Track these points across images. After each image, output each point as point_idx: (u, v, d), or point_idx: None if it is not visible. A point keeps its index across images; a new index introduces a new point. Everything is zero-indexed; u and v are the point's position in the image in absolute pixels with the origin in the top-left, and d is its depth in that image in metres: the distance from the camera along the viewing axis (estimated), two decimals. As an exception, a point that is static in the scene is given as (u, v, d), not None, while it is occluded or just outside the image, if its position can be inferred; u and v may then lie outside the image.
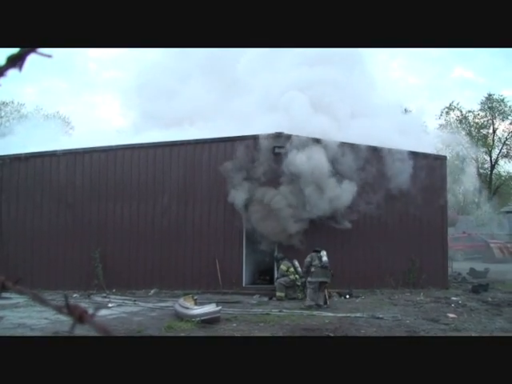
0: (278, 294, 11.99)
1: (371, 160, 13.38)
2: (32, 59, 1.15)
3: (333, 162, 12.93)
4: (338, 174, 12.98)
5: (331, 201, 12.77)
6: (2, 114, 38.63)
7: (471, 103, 78.37)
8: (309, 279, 10.80)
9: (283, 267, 12.21)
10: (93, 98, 65.22)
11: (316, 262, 10.76)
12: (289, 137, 13.26)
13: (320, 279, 10.65)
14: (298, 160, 12.73)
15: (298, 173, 12.80)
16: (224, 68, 16.90)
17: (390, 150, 13.60)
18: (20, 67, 1.19)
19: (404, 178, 13.30)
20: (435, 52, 53.24)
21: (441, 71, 66.89)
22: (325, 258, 10.76)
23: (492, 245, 26.02)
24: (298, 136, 13.10)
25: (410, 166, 13.37)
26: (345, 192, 12.83)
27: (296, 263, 12.08)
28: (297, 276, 11.94)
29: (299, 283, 11.83)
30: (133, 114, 19.80)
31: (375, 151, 13.70)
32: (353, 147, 13.19)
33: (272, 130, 13.36)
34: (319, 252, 10.92)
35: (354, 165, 12.99)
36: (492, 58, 64.39)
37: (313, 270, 10.74)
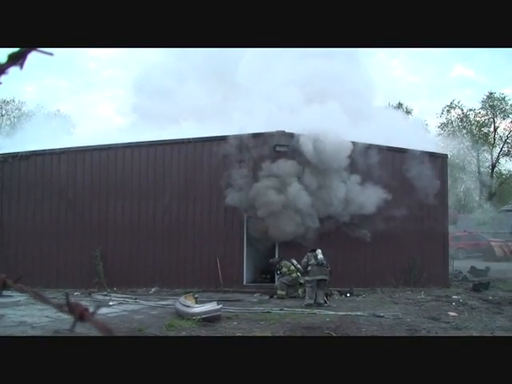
0: (279, 292, 11.99)
1: (377, 159, 13.27)
2: (32, 57, 1.15)
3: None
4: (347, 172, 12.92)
5: (358, 207, 12.71)
6: (3, 112, 38.70)
7: (472, 102, 78.37)
8: (307, 278, 10.88)
9: (286, 265, 12.19)
10: (93, 97, 65.39)
11: (312, 261, 10.81)
12: (291, 135, 13.23)
13: (317, 277, 10.69)
14: (307, 146, 12.66)
15: (311, 160, 12.69)
16: (224, 67, 16.86)
17: (394, 149, 13.56)
18: (21, 65, 1.19)
19: (409, 178, 13.28)
20: (435, 51, 53.24)
21: (441, 70, 66.97)
22: (320, 256, 10.81)
23: (493, 243, 26.03)
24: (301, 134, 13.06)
25: (414, 165, 13.34)
26: (370, 198, 12.73)
27: (294, 262, 12.09)
28: (298, 274, 11.94)
29: (302, 281, 11.83)
30: (133, 113, 19.75)
31: (379, 150, 13.62)
32: (355, 146, 13.14)
33: (274, 129, 13.32)
34: (314, 251, 10.99)
35: (362, 164, 12.89)
36: (492, 57, 64.46)
37: (309, 268, 10.80)
